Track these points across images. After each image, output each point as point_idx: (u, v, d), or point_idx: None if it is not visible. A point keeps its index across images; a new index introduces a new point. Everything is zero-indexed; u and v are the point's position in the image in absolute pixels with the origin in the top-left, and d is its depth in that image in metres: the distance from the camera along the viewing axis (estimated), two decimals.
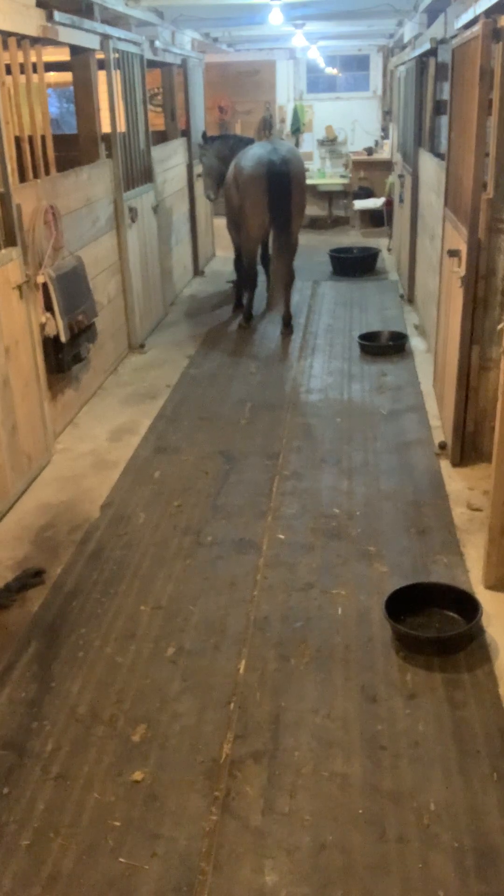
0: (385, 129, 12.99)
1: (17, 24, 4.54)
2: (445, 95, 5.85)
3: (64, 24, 5.13)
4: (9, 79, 4.67)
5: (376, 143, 13.37)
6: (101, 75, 6.30)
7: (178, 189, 8.78)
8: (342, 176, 13.40)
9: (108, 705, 2.99)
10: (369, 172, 12.52)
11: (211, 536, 4.07)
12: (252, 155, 6.83)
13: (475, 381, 4.49)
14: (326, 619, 3.40)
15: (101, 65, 6.28)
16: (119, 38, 6.37)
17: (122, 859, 2.41)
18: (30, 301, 4.62)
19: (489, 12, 3.92)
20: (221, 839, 2.45)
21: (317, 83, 13.96)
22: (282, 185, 6.65)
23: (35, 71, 4.93)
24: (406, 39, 9.10)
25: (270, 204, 6.70)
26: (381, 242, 11.07)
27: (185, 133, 9.27)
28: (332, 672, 3.11)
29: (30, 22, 4.70)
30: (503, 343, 3.73)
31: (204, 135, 8.58)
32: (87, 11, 5.72)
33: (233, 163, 7.24)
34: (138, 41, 6.98)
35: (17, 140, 4.82)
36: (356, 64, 13.94)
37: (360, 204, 12.12)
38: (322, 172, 13.77)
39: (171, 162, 8.52)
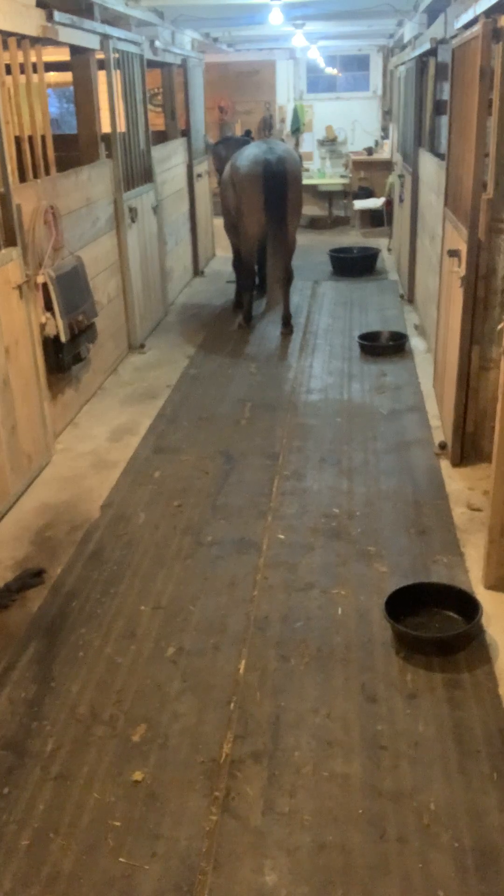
0: (385, 129, 12.99)
1: (17, 24, 4.53)
2: (445, 95, 5.85)
3: (64, 24, 5.13)
4: (9, 79, 4.67)
5: (376, 143, 13.37)
6: (101, 75, 6.30)
7: (177, 189, 8.78)
8: (342, 176, 13.40)
9: (108, 705, 2.99)
10: (369, 172, 12.52)
11: (211, 536, 4.07)
12: (248, 154, 6.84)
13: (475, 381, 4.49)
14: (326, 619, 3.40)
15: (101, 65, 6.28)
16: (119, 38, 6.37)
17: (122, 859, 2.41)
18: (30, 301, 4.62)
19: (489, 12, 3.91)
20: (221, 839, 2.45)
21: (317, 83, 13.96)
22: (277, 184, 6.66)
23: (35, 71, 4.93)
24: (406, 39, 9.10)
25: (266, 203, 6.71)
26: (381, 242, 11.07)
27: (185, 133, 9.28)
28: (332, 672, 3.11)
29: (30, 22, 4.70)
30: (503, 343, 3.73)
31: (206, 140, 9.29)
32: (87, 11, 5.72)
33: (229, 163, 7.26)
34: (138, 41, 6.98)
35: (17, 140, 4.82)
36: (356, 64, 13.94)
37: (360, 204, 12.12)
38: (322, 172, 13.77)
39: (171, 162, 8.52)
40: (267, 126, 13.47)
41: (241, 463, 4.84)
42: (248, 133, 9.31)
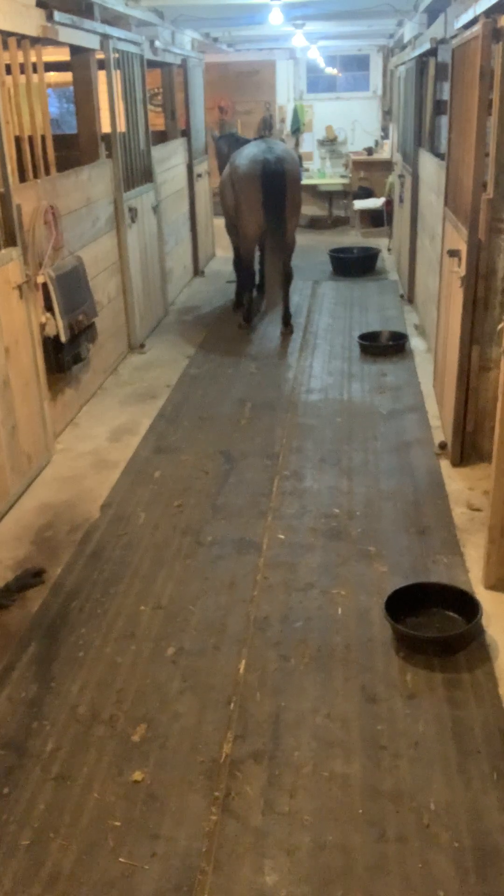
0: (385, 129, 12.99)
1: (17, 24, 4.53)
2: (445, 95, 5.85)
3: (64, 24, 5.13)
4: (9, 79, 4.67)
5: (376, 143, 13.36)
6: (101, 75, 6.30)
7: (178, 189, 8.78)
8: (342, 176, 13.40)
9: (108, 705, 2.99)
10: (369, 172, 12.52)
11: (211, 536, 4.07)
12: (247, 154, 6.85)
13: (475, 381, 4.49)
14: (326, 619, 3.40)
15: (101, 65, 6.28)
16: (119, 38, 6.37)
17: (122, 859, 2.41)
18: (30, 301, 4.62)
19: (489, 12, 3.92)
20: (221, 839, 2.45)
21: (317, 83, 13.95)
22: (276, 184, 6.66)
23: (35, 71, 4.93)
24: (406, 39, 9.09)
25: (265, 202, 6.71)
26: (381, 242, 11.07)
27: (185, 133, 9.28)
28: (332, 672, 3.11)
29: (30, 22, 4.70)
30: (503, 343, 3.73)
31: (210, 133, 9.39)
32: (87, 11, 5.72)
33: (228, 162, 7.26)
34: (138, 41, 6.98)
35: (17, 140, 4.82)
36: (356, 64, 13.94)
37: (360, 204, 12.12)
38: (322, 172, 13.76)
39: (171, 162, 8.52)
40: (267, 126, 13.46)
41: (241, 463, 4.84)
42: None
